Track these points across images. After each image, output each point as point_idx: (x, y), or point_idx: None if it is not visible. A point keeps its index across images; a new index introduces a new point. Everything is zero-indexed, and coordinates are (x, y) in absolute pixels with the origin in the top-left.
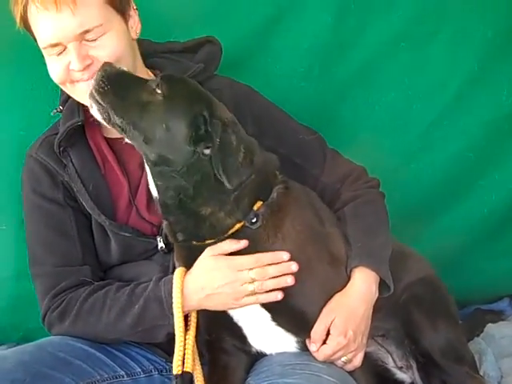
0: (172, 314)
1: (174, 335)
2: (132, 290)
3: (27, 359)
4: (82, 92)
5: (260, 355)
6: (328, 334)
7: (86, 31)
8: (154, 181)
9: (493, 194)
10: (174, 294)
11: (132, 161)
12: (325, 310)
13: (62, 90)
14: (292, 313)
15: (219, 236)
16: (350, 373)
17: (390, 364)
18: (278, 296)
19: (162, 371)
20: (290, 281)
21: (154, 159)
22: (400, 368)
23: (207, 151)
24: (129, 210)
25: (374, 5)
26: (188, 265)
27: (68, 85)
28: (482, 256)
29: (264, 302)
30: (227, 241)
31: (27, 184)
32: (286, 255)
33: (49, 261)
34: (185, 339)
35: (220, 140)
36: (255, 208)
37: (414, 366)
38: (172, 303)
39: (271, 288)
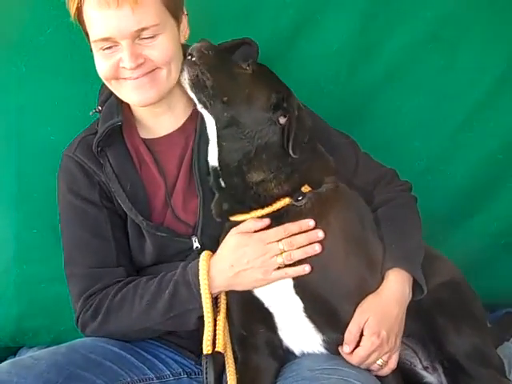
0: (201, 296)
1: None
2: (161, 278)
3: (60, 360)
4: (128, 90)
5: (287, 358)
6: (361, 336)
7: (143, 29)
8: (219, 143)
9: None
10: (200, 276)
11: (169, 162)
12: (358, 310)
13: (101, 90)
14: (324, 307)
15: (263, 207)
16: (381, 378)
17: (418, 366)
18: (306, 268)
19: (190, 374)
20: (317, 248)
21: (226, 120)
22: (426, 368)
23: (282, 120)
24: (164, 211)
25: (402, 7)
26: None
27: (113, 82)
28: None
29: (293, 275)
30: (250, 219)
31: (63, 183)
32: (311, 222)
33: (83, 262)
34: (214, 320)
35: (298, 113)
36: (303, 189)
37: (441, 369)
38: (198, 284)
39: (300, 257)
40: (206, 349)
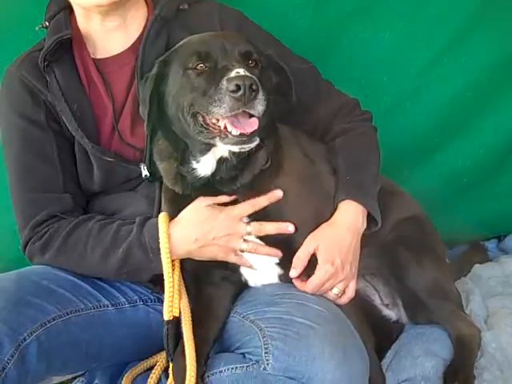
0: (156, 259)
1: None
2: (116, 232)
3: (9, 286)
4: None
5: (245, 286)
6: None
7: None
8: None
9: (489, 135)
10: (161, 242)
11: (118, 83)
12: (308, 237)
13: (49, 5)
14: (282, 240)
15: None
16: (339, 306)
17: (377, 301)
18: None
19: (146, 301)
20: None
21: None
22: (386, 305)
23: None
24: (112, 135)
25: None
26: (176, 210)
27: None
28: (474, 198)
29: (247, 266)
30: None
31: (5, 102)
32: (279, 192)
33: (27, 186)
34: (173, 281)
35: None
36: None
37: (400, 303)
38: (156, 248)
39: (264, 254)
40: (168, 315)
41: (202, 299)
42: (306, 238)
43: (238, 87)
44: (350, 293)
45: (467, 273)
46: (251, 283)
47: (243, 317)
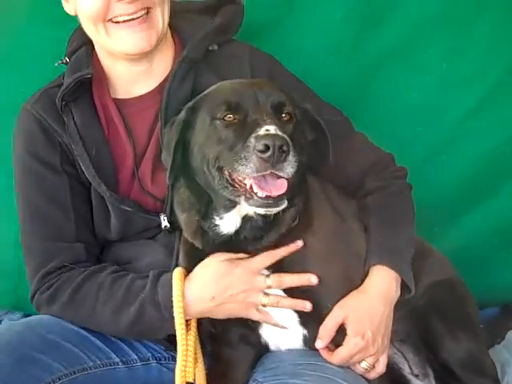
0: (170, 318)
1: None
2: (128, 287)
3: (13, 340)
4: (122, 34)
5: (265, 349)
6: (345, 335)
7: None
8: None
9: None
10: (174, 302)
11: (140, 126)
12: (337, 306)
13: (70, 40)
14: (311, 302)
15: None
16: (367, 380)
17: (406, 370)
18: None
19: (160, 359)
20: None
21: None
22: (416, 376)
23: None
24: (131, 182)
25: None
26: (193, 264)
27: (100, 25)
28: (507, 257)
29: (272, 324)
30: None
31: (19, 142)
32: (300, 242)
33: (39, 234)
34: (187, 344)
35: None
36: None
37: (432, 374)
38: (170, 307)
39: (288, 307)
40: (180, 380)
41: (219, 362)
42: (332, 299)
43: (267, 147)
44: (381, 368)
45: (501, 340)
46: (272, 346)
47: None
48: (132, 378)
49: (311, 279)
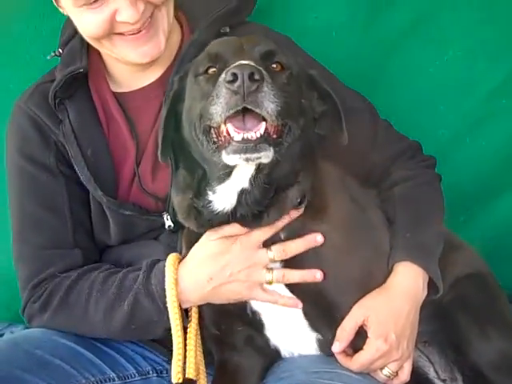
0: (166, 309)
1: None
2: (120, 282)
3: None
4: (128, 47)
5: (276, 355)
6: (366, 338)
7: None
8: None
9: None
10: (167, 288)
11: (143, 121)
12: (357, 305)
13: (63, 29)
14: (323, 302)
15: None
16: None
17: (432, 375)
18: (317, 276)
19: (161, 372)
20: (318, 276)
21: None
22: (444, 381)
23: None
24: (132, 182)
25: None
26: None
27: (105, 40)
28: None
29: (284, 305)
30: (233, 224)
31: (12, 142)
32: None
33: (33, 241)
34: (184, 339)
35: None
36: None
37: (460, 379)
38: (165, 296)
39: (295, 280)
40: (176, 377)
41: (225, 370)
42: (348, 298)
43: (236, 77)
44: (405, 376)
45: None
46: (283, 352)
47: None
48: None
49: (317, 238)
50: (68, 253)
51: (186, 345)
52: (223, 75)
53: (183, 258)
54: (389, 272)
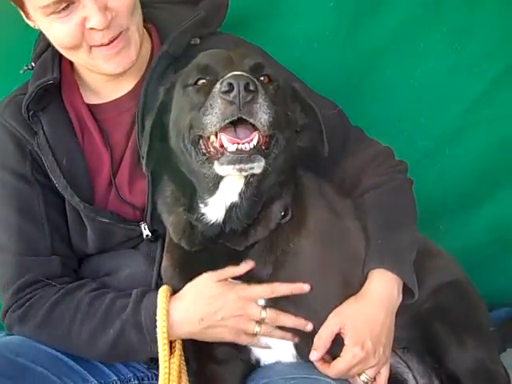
0: (152, 342)
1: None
2: (108, 308)
3: None
4: (103, 58)
5: (256, 363)
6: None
7: None
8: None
9: None
10: (158, 321)
11: (117, 132)
12: (333, 314)
13: (36, 42)
14: (301, 309)
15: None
16: None
17: (411, 381)
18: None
19: (142, 379)
20: (295, 340)
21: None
22: None
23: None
24: (108, 192)
25: None
26: (184, 272)
27: (80, 51)
28: None
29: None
30: (229, 267)
31: None
32: (306, 287)
33: (11, 248)
34: (169, 367)
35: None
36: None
37: None
38: (154, 328)
39: (279, 338)
40: None
41: (204, 378)
42: (328, 308)
43: (232, 87)
44: (382, 381)
45: None
46: (263, 360)
47: None
48: None
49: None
50: (46, 260)
51: (169, 372)
52: (218, 85)
53: (170, 278)
54: (364, 279)
